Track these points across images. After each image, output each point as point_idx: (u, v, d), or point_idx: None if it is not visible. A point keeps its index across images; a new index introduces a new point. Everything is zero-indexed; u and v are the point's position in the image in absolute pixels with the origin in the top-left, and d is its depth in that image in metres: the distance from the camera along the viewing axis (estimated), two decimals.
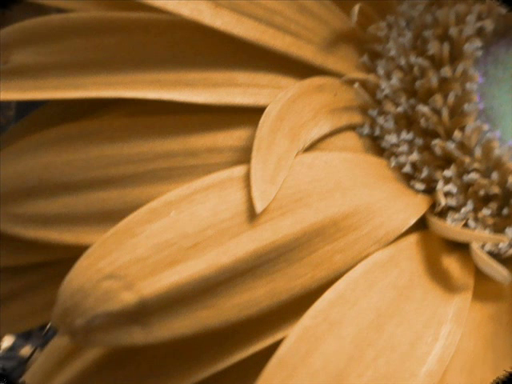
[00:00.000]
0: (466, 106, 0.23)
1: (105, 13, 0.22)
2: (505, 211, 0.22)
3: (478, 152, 0.22)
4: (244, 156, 0.20)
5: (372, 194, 0.20)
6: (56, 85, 0.21)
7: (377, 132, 0.23)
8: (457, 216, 0.22)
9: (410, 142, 0.23)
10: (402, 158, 0.23)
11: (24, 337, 0.38)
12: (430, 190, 0.22)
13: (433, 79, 0.23)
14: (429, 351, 0.18)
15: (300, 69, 0.22)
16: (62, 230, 0.20)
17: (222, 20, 0.21)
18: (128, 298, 0.16)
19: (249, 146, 0.19)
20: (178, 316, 0.17)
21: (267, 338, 0.18)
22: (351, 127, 0.23)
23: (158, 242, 0.17)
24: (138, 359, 0.18)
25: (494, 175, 0.22)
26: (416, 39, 0.24)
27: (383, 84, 0.24)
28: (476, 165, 0.22)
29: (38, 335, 0.38)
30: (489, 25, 0.24)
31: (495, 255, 0.22)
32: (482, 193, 0.22)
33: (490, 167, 0.22)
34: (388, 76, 0.24)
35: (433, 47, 0.23)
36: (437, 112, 0.23)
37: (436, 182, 0.22)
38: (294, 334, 0.17)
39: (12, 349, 0.38)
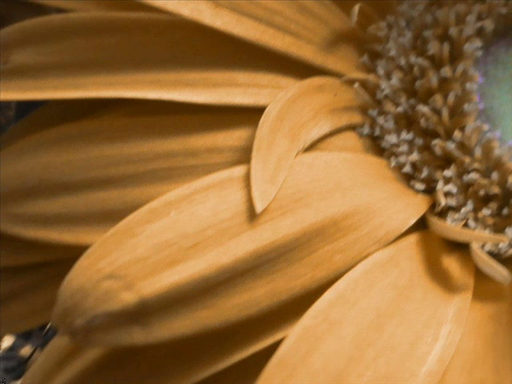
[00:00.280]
0: (466, 106, 0.23)
1: (105, 13, 0.22)
2: (505, 211, 0.22)
3: (477, 152, 0.22)
4: (244, 156, 0.20)
5: (372, 194, 0.20)
6: (56, 85, 0.21)
7: (377, 132, 0.23)
8: (457, 216, 0.22)
9: (410, 142, 0.23)
10: (402, 158, 0.23)
11: (24, 337, 0.38)
12: (430, 190, 0.22)
13: (433, 79, 0.23)
14: (429, 351, 0.18)
15: (300, 69, 0.22)
16: (62, 230, 0.20)
17: (222, 20, 0.21)
18: (128, 297, 0.16)
19: (249, 146, 0.19)
20: (178, 316, 0.17)
21: (267, 338, 0.18)
22: (351, 127, 0.23)
23: (157, 242, 0.17)
24: (138, 359, 0.18)
25: (494, 175, 0.22)
26: (416, 39, 0.24)
27: (383, 84, 0.24)
28: (476, 165, 0.22)
29: (38, 335, 0.38)
30: (489, 25, 0.24)
31: (495, 255, 0.22)
32: (481, 193, 0.22)
33: (490, 167, 0.22)
34: (388, 76, 0.24)
35: (433, 47, 0.23)
36: (437, 112, 0.23)
37: (436, 182, 0.22)
38: (294, 334, 0.17)
39: (12, 349, 0.38)
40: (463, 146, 0.22)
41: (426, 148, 0.23)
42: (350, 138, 0.23)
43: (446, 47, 0.23)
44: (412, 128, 0.23)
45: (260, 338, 0.18)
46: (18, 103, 0.32)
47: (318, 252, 0.19)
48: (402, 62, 0.24)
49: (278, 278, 0.18)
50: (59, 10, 0.22)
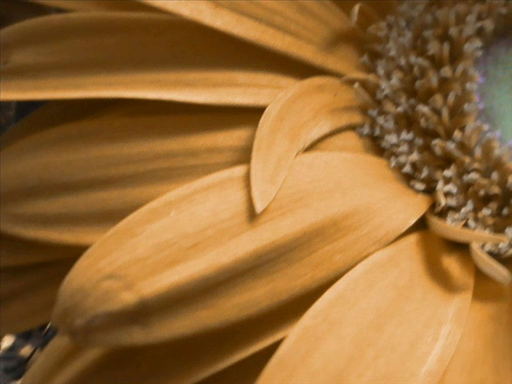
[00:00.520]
0: (466, 106, 0.23)
1: (105, 13, 0.22)
2: (505, 211, 0.22)
3: (478, 152, 0.22)
4: (244, 156, 0.20)
5: (372, 194, 0.20)
6: (56, 85, 0.21)
7: (377, 132, 0.23)
8: (457, 216, 0.22)
9: (410, 142, 0.23)
10: (402, 158, 0.23)
11: (24, 337, 0.38)
12: (430, 190, 0.22)
13: (433, 79, 0.23)
14: (429, 351, 0.18)
15: (300, 69, 0.22)
16: (62, 230, 0.20)
17: (222, 20, 0.21)
18: (128, 298, 0.16)
19: (249, 146, 0.19)
20: (178, 316, 0.17)
21: (267, 338, 0.18)
22: (351, 127, 0.23)
23: (158, 242, 0.17)
24: (138, 359, 0.18)
25: (494, 175, 0.22)
26: (416, 39, 0.24)
27: (383, 84, 0.24)
28: (476, 165, 0.22)
29: (38, 335, 0.38)
30: (489, 25, 0.24)
31: (495, 255, 0.22)
32: (481, 193, 0.22)
33: (490, 167, 0.22)
34: (388, 76, 0.24)
35: (433, 47, 0.23)
36: (437, 112, 0.23)
37: (436, 182, 0.22)
38: (294, 334, 0.17)
39: (12, 349, 0.38)
40: (463, 146, 0.22)
41: (426, 148, 0.23)
42: (350, 138, 0.23)
43: (446, 47, 0.23)
44: (412, 128, 0.23)
45: (260, 338, 0.18)
46: (18, 103, 0.32)
47: (318, 252, 0.19)
48: (402, 62, 0.24)
49: (278, 278, 0.18)
50: (59, 10, 0.22)
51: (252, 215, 0.18)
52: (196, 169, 0.20)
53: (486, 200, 0.22)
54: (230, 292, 0.17)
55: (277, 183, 0.19)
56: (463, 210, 0.22)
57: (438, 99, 0.23)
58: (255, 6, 0.21)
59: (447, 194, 0.22)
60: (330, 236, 0.19)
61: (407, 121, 0.23)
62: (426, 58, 0.23)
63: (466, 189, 0.22)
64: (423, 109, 0.23)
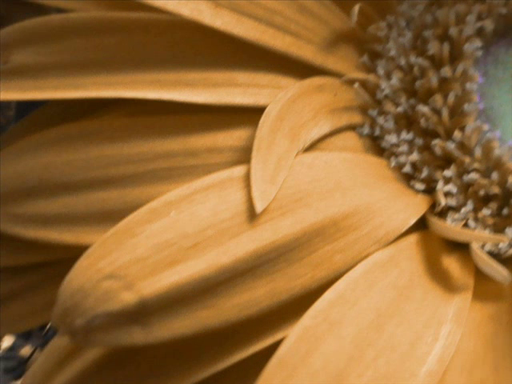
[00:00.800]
0: (466, 106, 0.23)
1: (105, 13, 0.22)
2: (505, 211, 0.22)
3: (478, 152, 0.22)
4: (244, 156, 0.20)
5: (372, 194, 0.20)
6: (56, 85, 0.21)
7: (377, 132, 0.23)
8: (457, 216, 0.22)
9: (410, 142, 0.23)
10: (402, 158, 0.23)
11: (24, 337, 0.38)
12: (430, 190, 0.22)
13: (433, 79, 0.23)
14: (429, 351, 0.18)
15: (300, 69, 0.22)
16: (62, 230, 0.20)
17: (222, 20, 0.21)
18: (128, 298, 0.16)
19: (249, 146, 0.19)
20: (178, 316, 0.17)
21: (267, 338, 0.18)
22: (351, 127, 0.23)
23: (158, 242, 0.17)
24: (138, 359, 0.18)
25: (494, 175, 0.22)
26: (416, 39, 0.24)
27: (383, 84, 0.24)
28: (476, 165, 0.22)
29: (38, 335, 0.38)
30: (489, 25, 0.24)
31: (495, 255, 0.22)
32: (481, 193, 0.22)
33: (490, 167, 0.22)
34: (388, 76, 0.24)
35: (433, 47, 0.23)
36: (437, 112, 0.23)
37: (436, 182, 0.22)
38: (294, 334, 0.17)
39: (12, 349, 0.38)
40: (463, 146, 0.22)
41: (426, 148, 0.23)
42: (350, 138, 0.23)
43: (446, 47, 0.23)
44: (412, 128, 0.23)
45: (260, 338, 0.18)
46: (18, 103, 0.32)
47: (318, 252, 0.19)
48: (402, 62, 0.24)
49: (278, 278, 0.18)
50: (59, 10, 0.22)
51: (252, 215, 0.18)
52: (196, 169, 0.20)
53: (485, 200, 0.22)
54: (230, 292, 0.17)
55: (277, 183, 0.19)
56: (463, 210, 0.22)
57: (437, 99, 0.23)
58: (255, 6, 0.21)
59: (447, 194, 0.22)
60: (330, 236, 0.19)
61: (407, 121, 0.23)
62: (426, 58, 0.23)
63: (465, 189, 0.22)
64: (423, 109, 0.23)
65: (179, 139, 0.20)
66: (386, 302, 0.19)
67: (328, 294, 0.18)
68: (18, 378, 0.37)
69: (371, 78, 0.24)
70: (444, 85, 0.23)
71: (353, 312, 0.18)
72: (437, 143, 0.22)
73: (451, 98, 0.23)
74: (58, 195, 0.20)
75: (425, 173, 0.22)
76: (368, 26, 0.24)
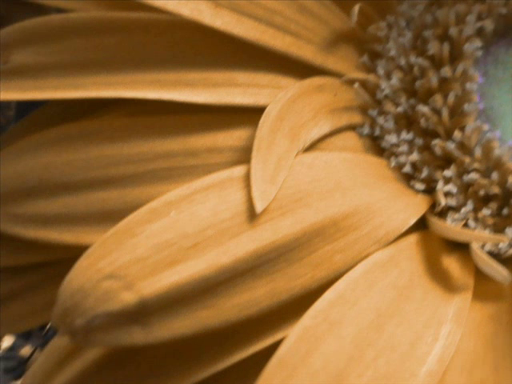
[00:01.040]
0: (466, 106, 0.23)
1: (105, 13, 0.22)
2: (505, 211, 0.22)
3: (478, 152, 0.22)
4: (244, 156, 0.20)
5: (372, 194, 0.20)
6: (56, 85, 0.21)
7: (377, 132, 0.23)
8: (457, 216, 0.22)
9: (410, 142, 0.23)
10: (402, 158, 0.23)
11: (24, 337, 0.38)
12: (430, 190, 0.22)
13: (433, 79, 0.23)
14: (429, 351, 0.18)
15: (300, 69, 0.22)
16: (62, 230, 0.20)
17: (222, 20, 0.21)
18: (128, 298, 0.16)
19: (249, 146, 0.19)
20: (178, 316, 0.17)
21: (267, 337, 0.18)
22: (351, 127, 0.23)
23: (158, 242, 0.17)
24: (138, 359, 0.18)
25: (494, 175, 0.22)
26: (416, 39, 0.24)
27: (383, 84, 0.24)
28: (476, 165, 0.22)
29: (38, 335, 0.38)
30: (489, 25, 0.24)
31: (495, 255, 0.22)
32: (481, 193, 0.22)
33: (490, 167, 0.22)
34: (388, 76, 0.24)
35: (433, 47, 0.23)
36: (437, 112, 0.23)
37: (436, 182, 0.22)
38: (294, 334, 0.17)
39: (12, 349, 0.38)
40: (463, 146, 0.22)
41: (426, 148, 0.23)
42: (350, 138, 0.23)
43: (446, 47, 0.23)
44: (412, 128, 0.23)
45: (260, 338, 0.18)
46: (18, 103, 0.32)
47: (318, 252, 0.19)
48: (402, 62, 0.24)
49: (278, 278, 0.18)
50: (59, 10, 0.22)
51: (252, 215, 0.18)
52: (196, 169, 0.20)
53: (485, 200, 0.22)
54: (230, 292, 0.17)
55: (277, 183, 0.19)
56: (463, 210, 0.22)
57: (437, 99, 0.23)
58: (255, 6, 0.21)
59: (447, 194, 0.22)
60: (330, 236, 0.19)
61: (407, 121, 0.23)
62: (426, 58, 0.23)
63: (465, 189, 0.22)
64: (423, 109, 0.23)
65: (179, 139, 0.20)
66: (385, 302, 0.19)
67: (328, 294, 0.18)
68: (18, 378, 0.37)
69: (371, 77, 0.24)
70: (444, 85, 0.23)
71: (353, 312, 0.18)
72: (437, 143, 0.22)
73: (451, 98, 0.23)
74: (58, 195, 0.20)
75: (425, 173, 0.22)
76: (368, 26, 0.24)
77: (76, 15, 0.21)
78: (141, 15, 0.21)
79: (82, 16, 0.21)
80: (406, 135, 0.23)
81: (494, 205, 0.22)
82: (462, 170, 0.22)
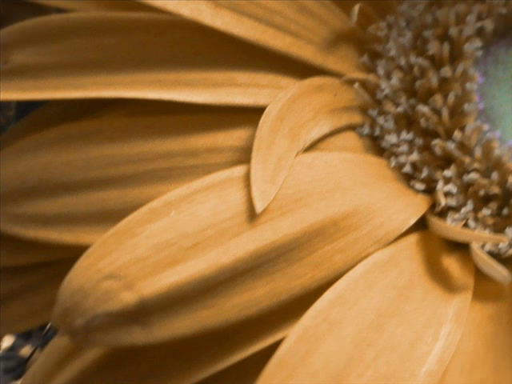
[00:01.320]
0: (466, 106, 0.23)
1: (105, 13, 0.22)
2: (505, 211, 0.22)
3: (478, 152, 0.22)
4: (244, 156, 0.20)
5: (372, 194, 0.20)
6: (56, 85, 0.21)
7: (377, 132, 0.23)
8: (457, 216, 0.22)
9: (410, 142, 0.23)
10: (402, 158, 0.23)
11: (24, 337, 0.38)
12: (430, 190, 0.22)
13: (433, 79, 0.23)
14: (429, 351, 0.18)
15: (300, 69, 0.22)
16: (62, 230, 0.20)
17: (222, 20, 0.21)
18: (128, 298, 0.16)
19: (249, 146, 0.19)
20: (178, 316, 0.17)
21: (267, 338, 0.18)
22: (351, 127, 0.23)
23: (158, 242, 0.17)
24: (138, 359, 0.18)
25: (494, 175, 0.22)
26: (416, 39, 0.24)
27: (383, 84, 0.24)
28: (476, 165, 0.22)
29: (38, 335, 0.38)
30: (489, 25, 0.24)
31: (495, 255, 0.22)
32: (481, 193, 0.22)
33: (490, 167, 0.22)
34: (388, 76, 0.24)
35: (433, 47, 0.23)
36: (437, 112, 0.23)
37: (436, 182, 0.22)
38: (294, 334, 0.17)
39: (12, 349, 0.38)
40: (463, 146, 0.22)
41: (426, 148, 0.23)
42: (350, 138, 0.23)
43: (446, 47, 0.23)
44: (412, 128, 0.23)
45: (260, 338, 0.18)
46: (18, 103, 0.32)
47: (318, 252, 0.19)
48: (402, 62, 0.24)
49: (278, 278, 0.18)
50: (59, 10, 0.22)
51: (252, 215, 0.18)
52: (196, 169, 0.20)
53: (485, 200, 0.22)
54: (230, 292, 0.17)
55: (277, 183, 0.19)
56: (463, 210, 0.22)
57: (437, 99, 0.23)
58: (255, 6, 0.21)
59: (447, 194, 0.22)
60: (330, 236, 0.19)
61: (407, 121, 0.23)
62: (426, 57, 0.23)
63: (465, 189, 0.22)
64: (423, 109, 0.23)
65: (179, 139, 0.20)
66: (386, 302, 0.19)
67: (328, 294, 0.18)
68: (18, 378, 0.37)
69: (371, 78, 0.24)
70: (444, 85, 0.23)
71: (353, 312, 0.18)
72: (437, 143, 0.22)
73: (451, 98, 0.23)
74: (58, 195, 0.20)
75: (425, 173, 0.22)
76: (368, 26, 0.24)
77: (76, 15, 0.21)
78: (141, 15, 0.21)
79: (82, 16, 0.21)
80: (406, 135, 0.23)
81: (493, 205, 0.22)
82: (462, 170, 0.22)
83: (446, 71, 0.23)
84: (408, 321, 0.19)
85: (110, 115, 0.22)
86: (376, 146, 0.23)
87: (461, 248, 0.22)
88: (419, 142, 0.23)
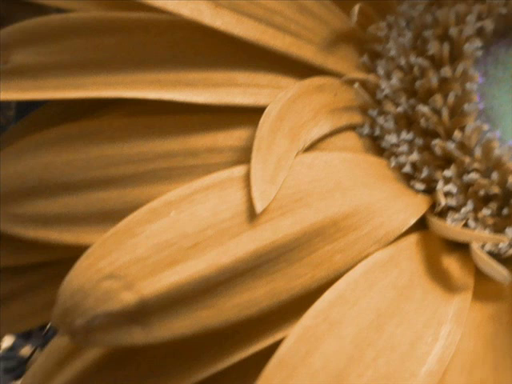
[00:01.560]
0: (466, 106, 0.23)
1: (105, 13, 0.22)
2: (505, 211, 0.22)
3: (478, 152, 0.22)
4: (244, 156, 0.20)
5: (372, 194, 0.20)
6: (56, 85, 0.21)
7: (377, 132, 0.23)
8: (457, 216, 0.22)
9: (410, 142, 0.23)
10: (402, 158, 0.23)
11: (24, 337, 0.38)
12: (430, 190, 0.22)
13: (433, 79, 0.23)
14: (429, 351, 0.18)
15: (300, 69, 0.22)
16: (62, 230, 0.20)
17: (222, 20, 0.21)
18: (128, 298, 0.16)
19: (249, 146, 0.19)
20: (178, 316, 0.17)
21: (267, 337, 0.18)
22: (351, 127, 0.23)
23: (158, 242, 0.17)
24: (138, 359, 0.18)
25: (494, 175, 0.22)
26: (416, 39, 0.24)
27: (383, 84, 0.24)
28: (476, 165, 0.22)
29: (38, 335, 0.38)
30: (489, 25, 0.24)
31: (495, 255, 0.22)
32: (481, 193, 0.22)
33: (490, 167, 0.22)
34: (388, 76, 0.24)
35: (433, 47, 0.23)
36: (437, 112, 0.23)
37: (436, 182, 0.22)
38: (294, 334, 0.17)
39: (12, 349, 0.38)
40: (463, 146, 0.22)
41: (426, 148, 0.23)
42: (350, 138, 0.23)
43: (446, 47, 0.23)
44: (412, 128, 0.23)
45: (260, 338, 0.18)
46: (18, 103, 0.32)
47: (318, 252, 0.19)
48: (402, 62, 0.24)
49: (278, 278, 0.18)
50: (59, 10, 0.22)
51: (252, 215, 0.18)
52: (196, 169, 0.20)
53: (485, 200, 0.22)
54: (229, 292, 0.17)
55: (277, 183, 0.19)
56: (463, 210, 0.22)
57: (437, 99, 0.23)
58: (255, 6, 0.21)
59: (447, 194, 0.22)
60: (329, 236, 0.19)
61: (407, 121, 0.23)
62: (426, 58, 0.23)
63: (466, 189, 0.22)
64: (423, 109, 0.23)
65: (179, 139, 0.20)
66: (386, 302, 0.19)
67: (328, 294, 0.18)
68: (17, 378, 0.37)
69: (371, 78, 0.24)
70: (444, 85, 0.23)
71: (353, 312, 0.18)
72: (437, 143, 0.22)
73: (451, 98, 0.23)
74: (58, 195, 0.20)
75: (425, 173, 0.22)
76: (368, 26, 0.24)
77: (76, 15, 0.21)
78: (141, 15, 0.21)
79: (82, 16, 0.21)
80: (406, 135, 0.23)
81: (493, 205, 0.22)
82: (462, 170, 0.22)
83: (446, 71, 0.23)
84: (408, 321, 0.19)
85: (110, 115, 0.22)
86: (376, 146, 0.23)
87: (461, 248, 0.22)
88: (419, 141, 0.23)
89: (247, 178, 0.18)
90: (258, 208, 0.18)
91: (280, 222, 0.18)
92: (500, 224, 0.22)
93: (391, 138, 0.23)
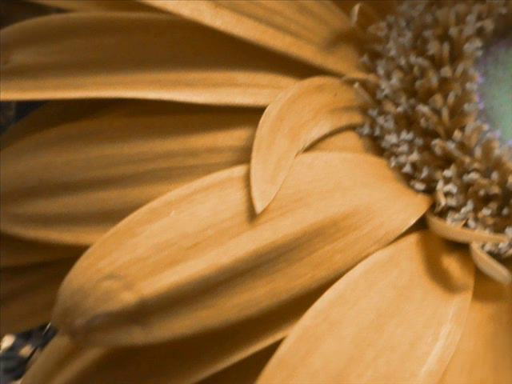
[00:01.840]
0: (466, 106, 0.23)
1: (105, 13, 0.22)
2: (505, 211, 0.22)
3: (478, 152, 0.22)
4: (244, 156, 0.20)
5: (372, 194, 0.20)
6: (56, 85, 0.21)
7: (377, 132, 0.23)
8: (457, 216, 0.22)
9: (410, 142, 0.23)
10: (402, 158, 0.23)
11: (24, 337, 0.38)
12: (430, 190, 0.22)
13: (433, 79, 0.23)
14: (429, 351, 0.18)
15: (300, 69, 0.22)
16: (62, 229, 0.20)
17: (222, 20, 0.21)
18: (128, 298, 0.16)
19: (249, 146, 0.19)
20: (178, 316, 0.17)
21: (267, 338, 0.18)
22: (351, 127, 0.23)
23: (157, 242, 0.17)
24: (138, 359, 0.18)
25: (494, 175, 0.22)
26: (416, 39, 0.24)
27: (383, 84, 0.24)
28: (476, 165, 0.22)
29: (38, 335, 0.38)
30: (489, 25, 0.24)
31: (495, 255, 0.22)
32: (481, 193, 0.22)
33: (490, 167, 0.22)
34: (388, 76, 0.24)
35: (433, 47, 0.23)
36: (437, 112, 0.23)
37: (436, 181, 0.22)
38: (294, 334, 0.17)
39: (12, 349, 0.38)
40: (463, 146, 0.22)
41: (426, 148, 0.23)
42: (350, 138, 0.23)
43: (446, 47, 0.23)
44: (412, 128, 0.23)
45: (260, 338, 0.18)
46: (18, 103, 0.32)
47: (318, 252, 0.19)
48: (402, 62, 0.24)
49: (278, 278, 0.18)
50: (59, 10, 0.22)
51: (252, 215, 0.18)
52: (196, 169, 0.20)
53: (486, 200, 0.22)
54: (230, 292, 0.17)
55: (277, 183, 0.19)
56: (463, 209, 0.22)
57: (438, 99, 0.23)
58: (255, 6, 0.21)
59: (447, 194, 0.22)
60: (329, 236, 0.19)
61: (407, 121, 0.23)
62: (426, 58, 0.24)
63: (466, 189, 0.22)
64: (423, 109, 0.23)
65: (179, 139, 0.20)
66: (386, 302, 0.19)
67: (328, 294, 0.18)
68: (18, 378, 0.37)
69: (371, 77, 0.24)
70: (444, 85, 0.23)
71: (353, 312, 0.18)
72: (437, 143, 0.22)
73: (451, 98, 0.23)
74: (58, 195, 0.20)
75: (425, 173, 0.22)
76: (368, 26, 0.24)
77: (76, 15, 0.21)
78: (141, 15, 0.21)
79: (82, 16, 0.21)
80: (406, 135, 0.23)
81: (493, 205, 0.22)
82: (462, 170, 0.22)
83: (446, 71, 0.23)
84: (408, 321, 0.19)
85: (110, 115, 0.22)
86: (376, 146, 0.23)
87: (461, 248, 0.22)
88: (419, 142, 0.23)
89: (247, 178, 0.18)
90: (258, 208, 0.18)
91: (280, 222, 0.18)
92: (500, 224, 0.22)
93: (391, 138, 0.23)
